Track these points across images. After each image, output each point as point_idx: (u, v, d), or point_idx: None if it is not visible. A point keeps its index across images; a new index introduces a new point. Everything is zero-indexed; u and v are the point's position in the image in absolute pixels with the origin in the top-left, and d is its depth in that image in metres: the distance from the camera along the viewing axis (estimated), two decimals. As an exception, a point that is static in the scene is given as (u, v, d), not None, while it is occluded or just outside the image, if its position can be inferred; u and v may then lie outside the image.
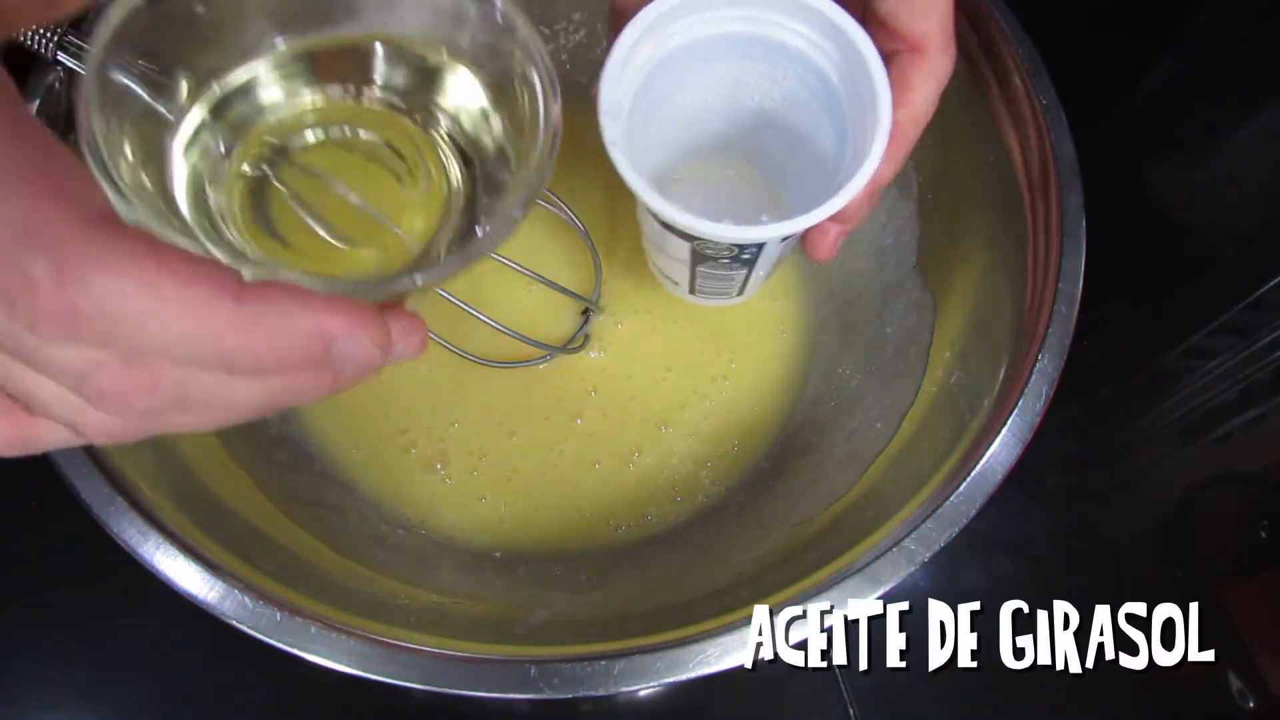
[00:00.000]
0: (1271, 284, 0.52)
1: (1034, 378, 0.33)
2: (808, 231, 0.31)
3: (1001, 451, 0.32)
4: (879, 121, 0.27)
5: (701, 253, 0.32)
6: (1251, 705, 0.43)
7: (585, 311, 0.46)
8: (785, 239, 0.30)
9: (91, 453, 0.30)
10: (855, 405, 0.43)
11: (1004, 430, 0.32)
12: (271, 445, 0.41)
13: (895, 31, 0.27)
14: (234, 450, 0.38)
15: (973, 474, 0.32)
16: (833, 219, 0.28)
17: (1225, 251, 0.56)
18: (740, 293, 0.38)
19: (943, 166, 0.42)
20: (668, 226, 0.29)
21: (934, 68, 0.28)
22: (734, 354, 0.47)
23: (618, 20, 0.28)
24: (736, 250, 0.31)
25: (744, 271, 0.34)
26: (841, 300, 0.47)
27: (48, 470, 0.29)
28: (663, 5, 0.27)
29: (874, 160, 0.27)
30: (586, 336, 0.46)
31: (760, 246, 0.30)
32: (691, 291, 0.38)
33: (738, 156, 0.37)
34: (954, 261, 0.41)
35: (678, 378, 0.46)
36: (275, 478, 0.39)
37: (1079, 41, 0.57)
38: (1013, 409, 0.33)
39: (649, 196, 0.27)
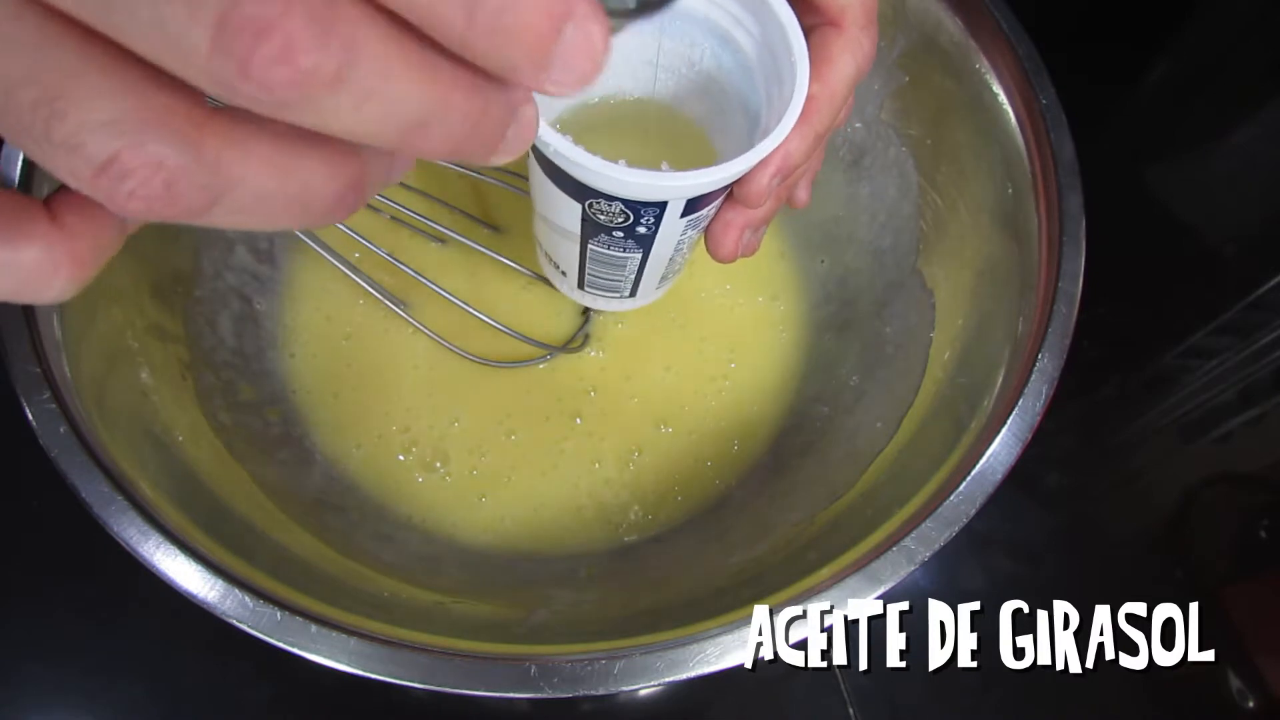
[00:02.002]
0: (1271, 284, 0.52)
1: (1034, 378, 0.33)
2: (710, 227, 0.30)
3: (1001, 451, 0.32)
4: (795, 91, 0.26)
5: (594, 218, 0.29)
6: (1251, 705, 0.43)
7: (585, 311, 0.46)
8: (686, 214, 0.28)
9: (92, 453, 0.30)
10: (855, 405, 0.43)
11: (1004, 430, 0.32)
12: (273, 445, 0.41)
13: (814, 5, 0.27)
14: (235, 449, 0.38)
15: (973, 474, 0.32)
16: (738, 208, 0.27)
17: (1225, 251, 0.56)
18: (633, 290, 0.35)
19: (942, 166, 0.43)
20: (556, 174, 0.27)
21: (851, 43, 0.27)
22: (734, 354, 0.47)
23: None
24: (630, 216, 0.28)
25: (638, 255, 0.31)
26: (841, 300, 0.47)
27: (48, 470, 0.29)
28: None
29: (784, 128, 0.26)
30: (586, 336, 0.46)
31: (660, 212, 0.28)
32: (581, 284, 0.36)
33: (651, 133, 0.35)
34: (954, 261, 0.41)
35: (678, 378, 0.46)
36: (277, 477, 0.39)
37: (1079, 42, 0.57)
38: (1013, 409, 0.33)
39: (542, 130, 0.24)
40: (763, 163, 0.27)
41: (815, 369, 0.47)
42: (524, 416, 0.45)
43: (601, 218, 0.28)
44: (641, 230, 0.29)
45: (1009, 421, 0.32)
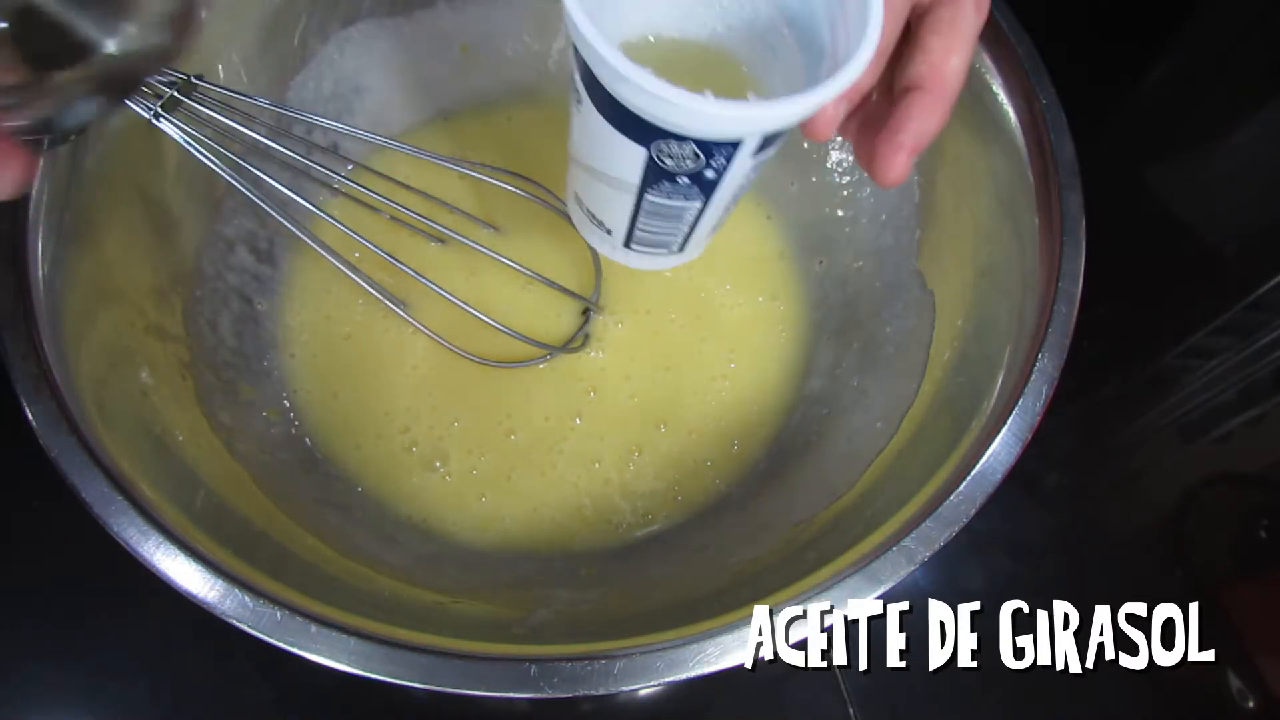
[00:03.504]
0: (1271, 284, 0.52)
1: (1034, 378, 0.33)
2: (879, 149, 0.28)
3: (1001, 451, 0.32)
4: (871, 12, 0.24)
5: (659, 163, 0.26)
6: (1251, 705, 0.43)
7: (585, 311, 0.46)
8: (758, 153, 0.26)
9: (91, 453, 0.30)
10: (855, 405, 0.43)
11: (1004, 430, 0.32)
12: (275, 445, 0.41)
13: None
14: (235, 449, 0.38)
15: (973, 474, 0.32)
16: (906, 127, 0.26)
17: (1225, 251, 0.56)
18: (683, 245, 0.33)
19: (942, 166, 0.42)
20: (620, 115, 0.24)
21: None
22: (734, 354, 0.47)
23: None
24: (703, 158, 0.25)
25: (698, 203, 0.29)
26: (841, 300, 0.47)
27: (48, 470, 0.29)
28: None
29: (865, 54, 0.23)
30: (586, 336, 0.46)
31: (732, 152, 0.25)
32: (628, 242, 0.33)
33: (707, 55, 0.31)
34: (954, 261, 0.41)
35: (678, 378, 0.46)
36: (278, 477, 0.39)
37: (1079, 41, 0.57)
38: (1013, 409, 0.33)
39: (615, 58, 0.22)
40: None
41: (815, 369, 0.47)
42: (524, 416, 0.45)
43: (669, 162, 0.26)
44: (709, 174, 0.27)
45: (1009, 421, 0.32)
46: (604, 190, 0.30)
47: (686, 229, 0.32)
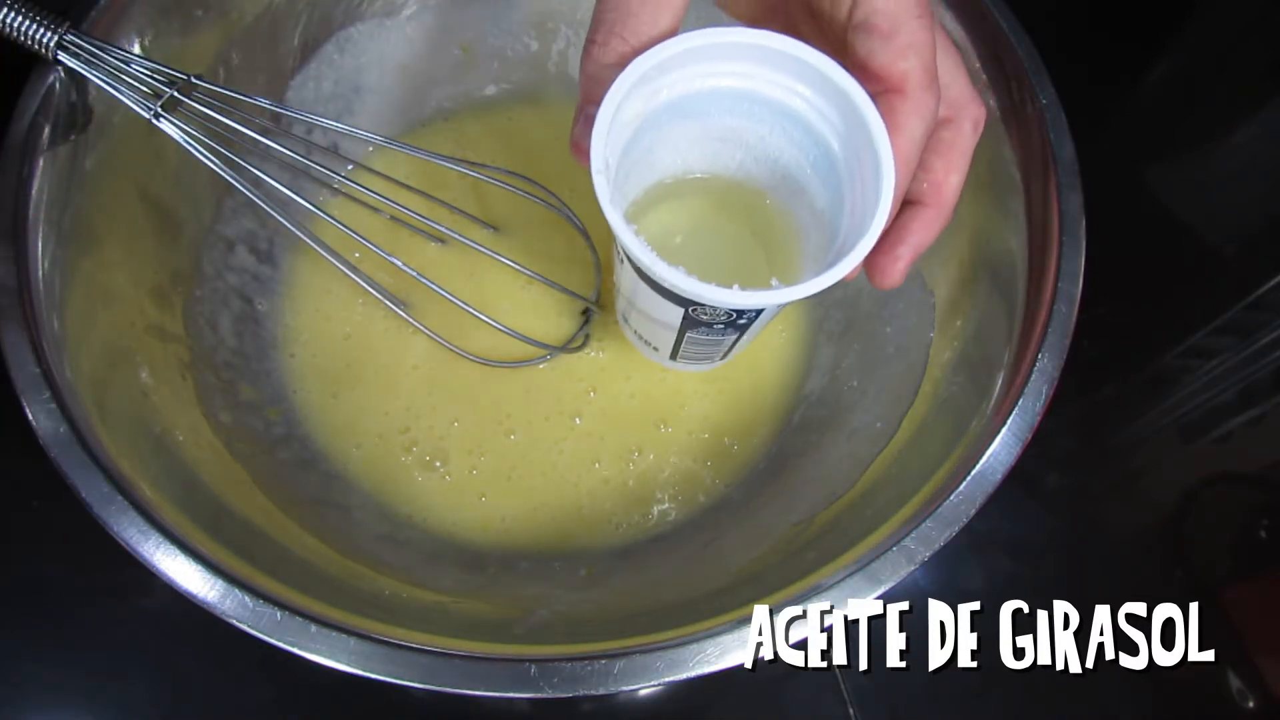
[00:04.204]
0: (1271, 284, 0.52)
1: (1034, 378, 0.33)
2: (875, 260, 0.30)
3: (1001, 451, 0.32)
4: (881, 189, 0.26)
5: (696, 318, 0.30)
6: (1251, 705, 0.43)
7: (585, 311, 0.46)
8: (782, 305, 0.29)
9: (91, 453, 0.30)
10: (855, 405, 0.43)
11: (1004, 430, 0.32)
12: (273, 445, 0.41)
13: (875, 73, 0.27)
14: (235, 449, 0.38)
15: (973, 474, 0.32)
16: (905, 240, 0.28)
17: (1225, 251, 0.56)
18: (724, 357, 0.37)
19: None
20: (663, 291, 0.28)
21: (918, 107, 0.27)
22: (734, 354, 0.47)
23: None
24: (735, 316, 0.29)
25: (735, 336, 0.33)
26: (841, 300, 0.47)
27: (48, 470, 0.29)
28: (656, 57, 0.26)
29: (879, 224, 0.26)
30: (586, 336, 0.46)
31: (759, 311, 0.29)
32: (673, 357, 0.37)
33: (722, 212, 0.36)
34: (954, 261, 0.41)
35: (677, 378, 0.46)
36: (277, 477, 0.39)
37: (1079, 41, 0.57)
38: (1013, 409, 0.33)
39: (654, 262, 0.26)
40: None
41: (815, 369, 0.47)
42: (524, 416, 0.45)
43: (704, 317, 0.30)
44: (742, 322, 0.31)
45: (1009, 421, 0.32)
46: (651, 325, 0.34)
47: (726, 350, 0.36)
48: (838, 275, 0.26)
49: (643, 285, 0.29)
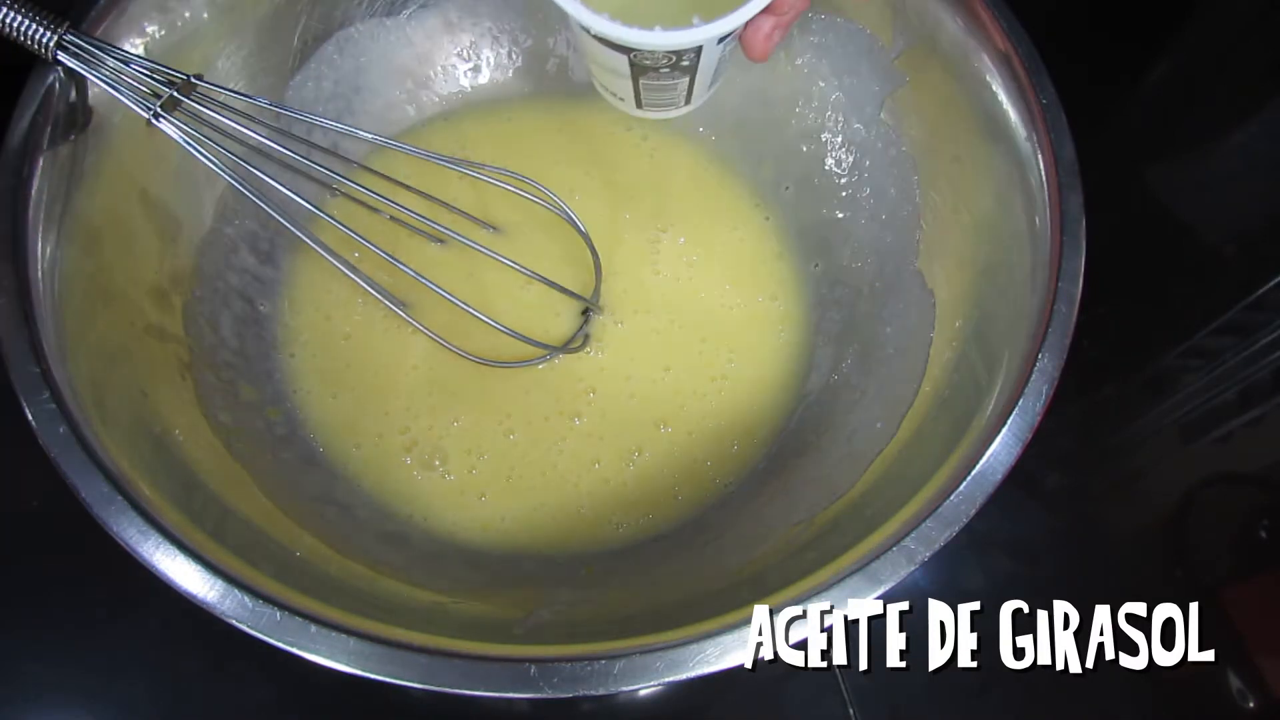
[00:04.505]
0: (1271, 284, 0.52)
1: (1034, 378, 0.33)
2: (745, 30, 0.32)
3: (1001, 451, 0.32)
4: None
5: (640, 64, 0.32)
6: (1251, 705, 0.43)
7: (585, 311, 0.46)
8: (722, 40, 0.31)
9: (91, 453, 0.30)
10: (855, 405, 0.43)
11: (1004, 430, 0.32)
12: (273, 445, 0.41)
13: None
14: (235, 449, 0.38)
15: (973, 474, 0.32)
16: (768, 11, 0.29)
17: (1225, 251, 0.56)
18: (688, 100, 0.38)
19: (942, 166, 0.43)
20: (602, 40, 0.29)
21: None
22: (733, 354, 0.47)
23: None
24: (674, 58, 0.31)
25: (686, 79, 0.34)
26: (841, 300, 0.47)
27: (48, 470, 0.29)
28: None
29: None
30: (586, 336, 0.46)
31: (698, 52, 0.31)
32: (639, 106, 0.38)
33: None
34: (954, 261, 0.41)
35: (677, 378, 0.46)
36: (277, 477, 0.39)
37: (1079, 41, 0.57)
38: (1013, 409, 0.33)
39: (578, 11, 0.28)
40: None
41: (815, 369, 0.47)
42: (524, 416, 0.45)
43: (647, 62, 0.31)
44: (685, 63, 0.32)
45: (1009, 421, 0.32)
46: (610, 76, 0.35)
47: (684, 93, 0.37)
48: (751, 11, 0.28)
49: (587, 38, 0.31)
